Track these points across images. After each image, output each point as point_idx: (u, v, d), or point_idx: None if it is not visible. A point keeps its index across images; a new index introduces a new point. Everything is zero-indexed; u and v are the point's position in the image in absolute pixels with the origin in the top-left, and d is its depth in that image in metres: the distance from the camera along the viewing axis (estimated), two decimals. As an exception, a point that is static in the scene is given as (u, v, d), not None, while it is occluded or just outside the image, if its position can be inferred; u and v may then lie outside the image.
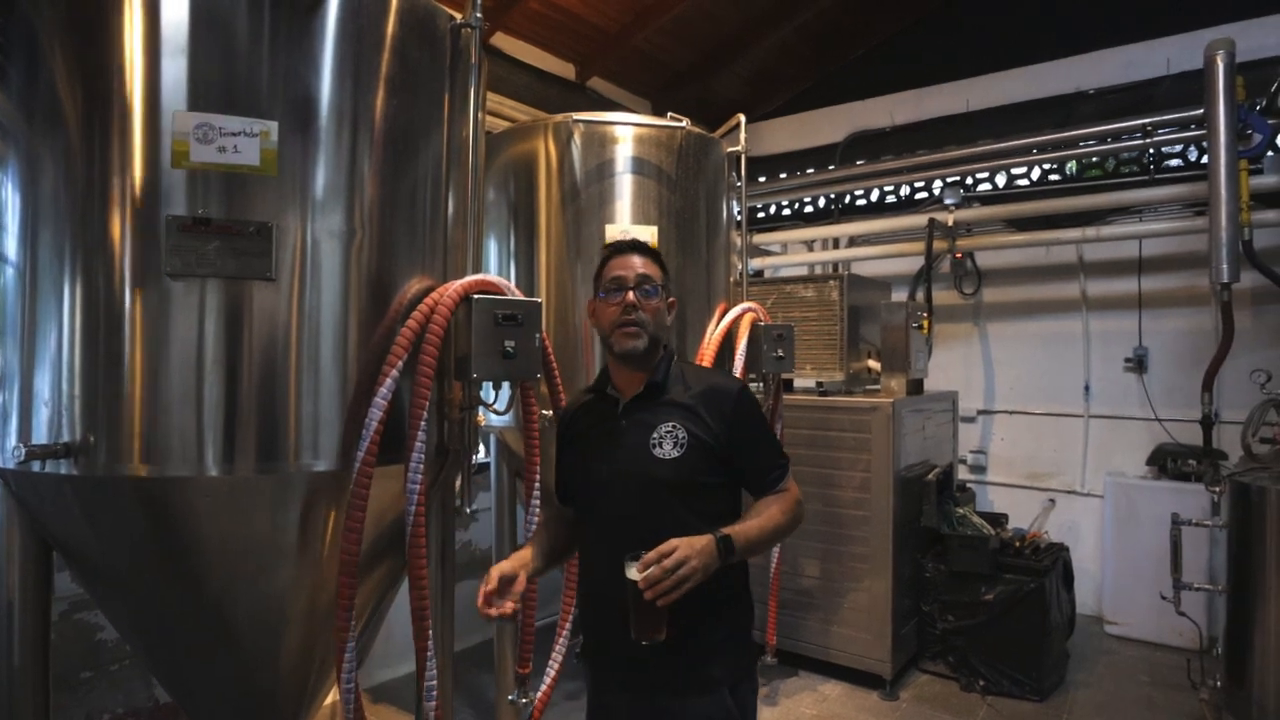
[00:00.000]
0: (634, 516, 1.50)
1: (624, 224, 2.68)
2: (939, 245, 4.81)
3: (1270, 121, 3.72)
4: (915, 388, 4.10)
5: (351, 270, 1.64)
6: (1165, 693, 3.60)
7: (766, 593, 3.33)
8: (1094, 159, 4.68)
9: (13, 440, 1.52)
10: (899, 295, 5.01)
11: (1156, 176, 4.49)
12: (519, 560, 1.54)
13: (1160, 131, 4.07)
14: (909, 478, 3.79)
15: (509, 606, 1.42)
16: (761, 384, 3.07)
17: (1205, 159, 4.02)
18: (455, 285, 1.75)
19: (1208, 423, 3.85)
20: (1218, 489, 3.32)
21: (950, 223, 4.76)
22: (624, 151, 2.71)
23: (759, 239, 5.69)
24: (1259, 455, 3.27)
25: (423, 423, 1.65)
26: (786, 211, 6.03)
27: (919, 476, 3.87)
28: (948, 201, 4.84)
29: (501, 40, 4.55)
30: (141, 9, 1.49)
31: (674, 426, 1.52)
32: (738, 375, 2.78)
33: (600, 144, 2.71)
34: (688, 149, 2.80)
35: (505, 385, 1.88)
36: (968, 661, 3.64)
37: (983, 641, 3.60)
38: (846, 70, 5.76)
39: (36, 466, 1.48)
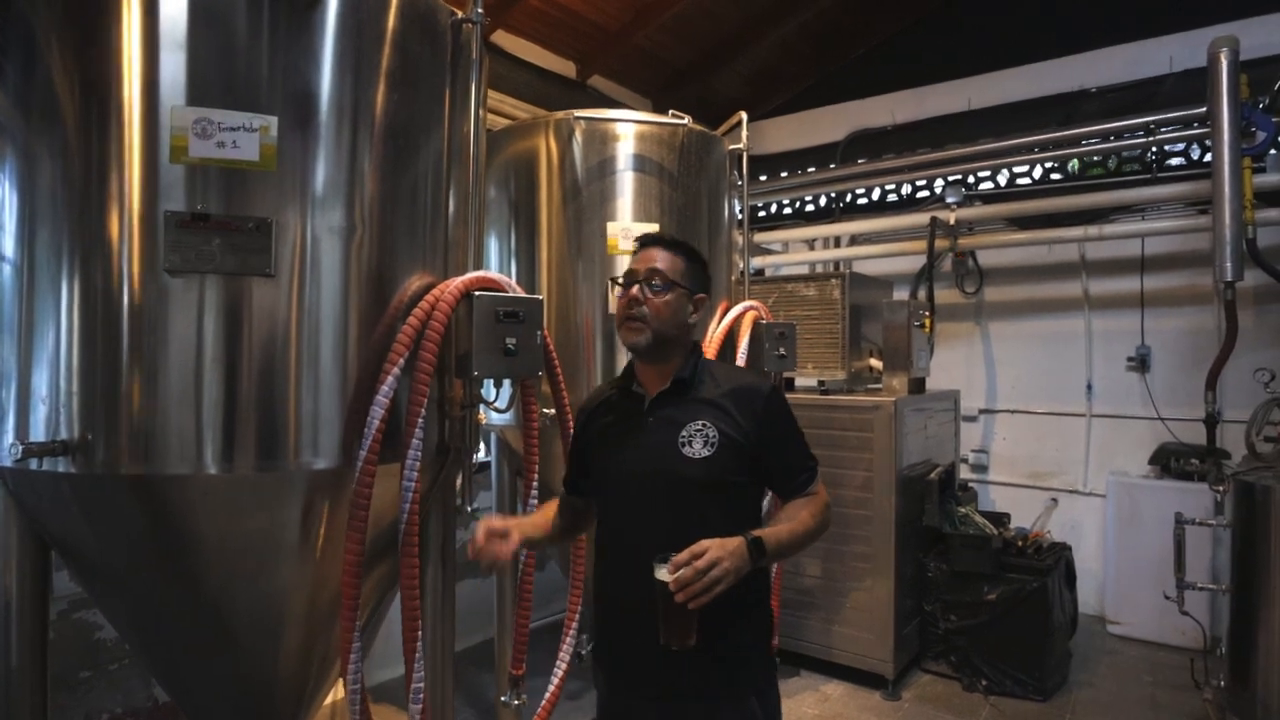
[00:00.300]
0: (659, 515, 1.47)
1: (625, 222, 2.67)
2: (941, 244, 4.80)
3: (1274, 119, 3.70)
4: (917, 387, 4.09)
5: (352, 267, 1.63)
6: (1168, 693, 3.58)
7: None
8: (1096, 157, 4.67)
9: (10, 438, 1.50)
10: (901, 294, 5.00)
11: (1159, 175, 4.47)
12: (512, 520, 1.53)
13: (1163, 130, 4.05)
14: (911, 477, 3.78)
15: (504, 549, 1.42)
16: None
17: (1208, 157, 4.00)
18: (456, 282, 1.74)
19: (1211, 422, 3.84)
20: (1221, 488, 3.31)
21: (952, 221, 4.75)
22: (625, 149, 2.70)
23: (760, 238, 5.67)
24: (1263, 454, 3.26)
25: (420, 421, 1.64)
26: (788, 210, 6.02)
27: (921, 476, 3.86)
28: (949, 200, 4.83)
29: (502, 38, 4.54)
30: (140, 4, 1.47)
31: (704, 425, 1.49)
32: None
33: (601, 141, 2.69)
34: (689, 146, 2.79)
35: (506, 383, 1.87)
36: (970, 661, 3.63)
37: (985, 641, 3.59)
38: (847, 69, 5.75)
39: (34, 464, 1.47)
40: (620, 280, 1.55)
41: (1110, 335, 4.67)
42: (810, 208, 5.93)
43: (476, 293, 1.76)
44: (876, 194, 5.60)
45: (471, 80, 1.90)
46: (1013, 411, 5.03)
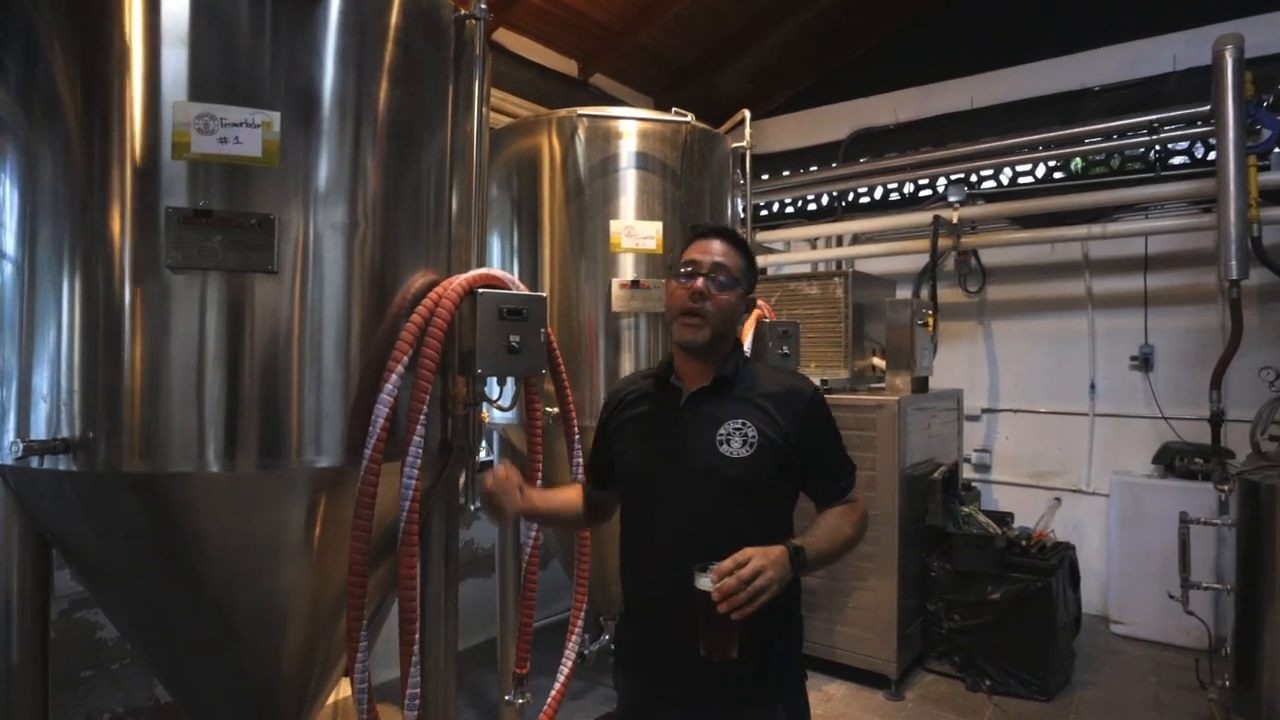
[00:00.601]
0: (691, 513, 1.43)
1: (628, 220, 2.66)
2: (943, 243, 4.79)
3: (1279, 117, 3.69)
4: (920, 386, 4.08)
5: (354, 264, 1.62)
6: (1173, 693, 3.57)
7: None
8: (1099, 156, 4.66)
9: (11, 436, 1.49)
10: (903, 293, 4.99)
11: (1162, 174, 4.46)
12: (533, 488, 1.52)
13: (1167, 128, 4.05)
14: (914, 476, 3.77)
15: (510, 501, 1.44)
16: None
17: (1212, 155, 4.00)
18: (459, 279, 1.73)
19: (1216, 420, 3.83)
20: (1226, 487, 3.30)
21: (955, 220, 4.74)
22: (628, 147, 2.69)
23: (763, 236, 5.67)
24: (1268, 453, 3.24)
25: (422, 419, 1.62)
26: (790, 209, 6.01)
27: (924, 475, 3.85)
28: (952, 199, 4.82)
29: (504, 36, 4.53)
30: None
31: (743, 424, 1.44)
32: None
33: (604, 139, 2.68)
34: (692, 144, 2.78)
35: (510, 381, 1.86)
36: (974, 661, 3.62)
37: (989, 641, 3.58)
38: (850, 68, 5.74)
39: (35, 462, 1.46)
40: (683, 270, 1.47)
41: (1114, 334, 4.65)
42: (813, 206, 5.92)
43: (480, 290, 1.74)
44: (879, 193, 5.59)
45: (475, 77, 1.89)
46: (1016, 411, 5.02)
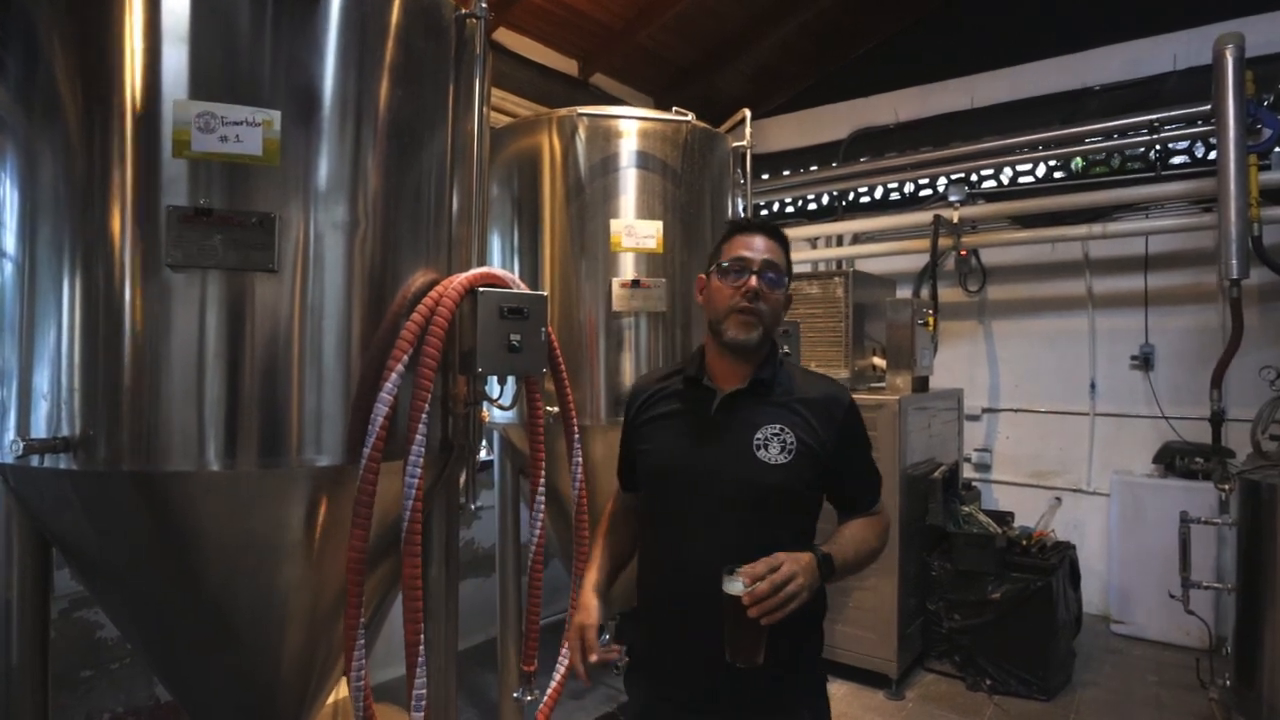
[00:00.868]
0: (723, 521, 1.38)
1: (629, 219, 2.66)
2: (944, 242, 4.79)
3: (1279, 116, 3.69)
4: (920, 385, 4.08)
5: (355, 262, 1.62)
6: (1174, 692, 3.57)
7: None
8: (1100, 155, 4.66)
9: (11, 435, 1.49)
10: (904, 292, 4.99)
11: (1163, 173, 4.46)
12: (594, 608, 1.51)
13: (1167, 128, 4.05)
14: (914, 476, 3.77)
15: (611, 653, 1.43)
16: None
17: (1212, 155, 4.00)
18: (460, 278, 1.72)
19: (1216, 420, 3.83)
20: (1226, 487, 3.30)
21: (955, 220, 4.74)
22: (628, 146, 2.69)
23: (762, 236, 5.65)
24: (1268, 452, 3.24)
25: (424, 418, 1.62)
26: (790, 209, 6.01)
27: (924, 474, 3.85)
28: (952, 198, 4.81)
29: (504, 35, 4.53)
30: (142, -3, 1.46)
31: (781, 429, 1.40)
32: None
33: (605, 138, 2.68)
34: (692, 144, 2.78)
35: (510, 380, 1.85)
36: (974, 661, 3.62)
37: (989, 640, 3.58)
38: (850, 67, 5.74)
39: (35, 461, 1.46)
40: (732, 267, 1.43)
41: (1114, 334, 4.65)
42: (813, 206, 5.92)
43: (480, 289, 1.74)
44: (879, 192, 5.59)
45: (475, 76, 1.89)
46: (1016, 410, 5.02)
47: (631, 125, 2.70)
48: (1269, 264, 3.74)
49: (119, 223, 1.46)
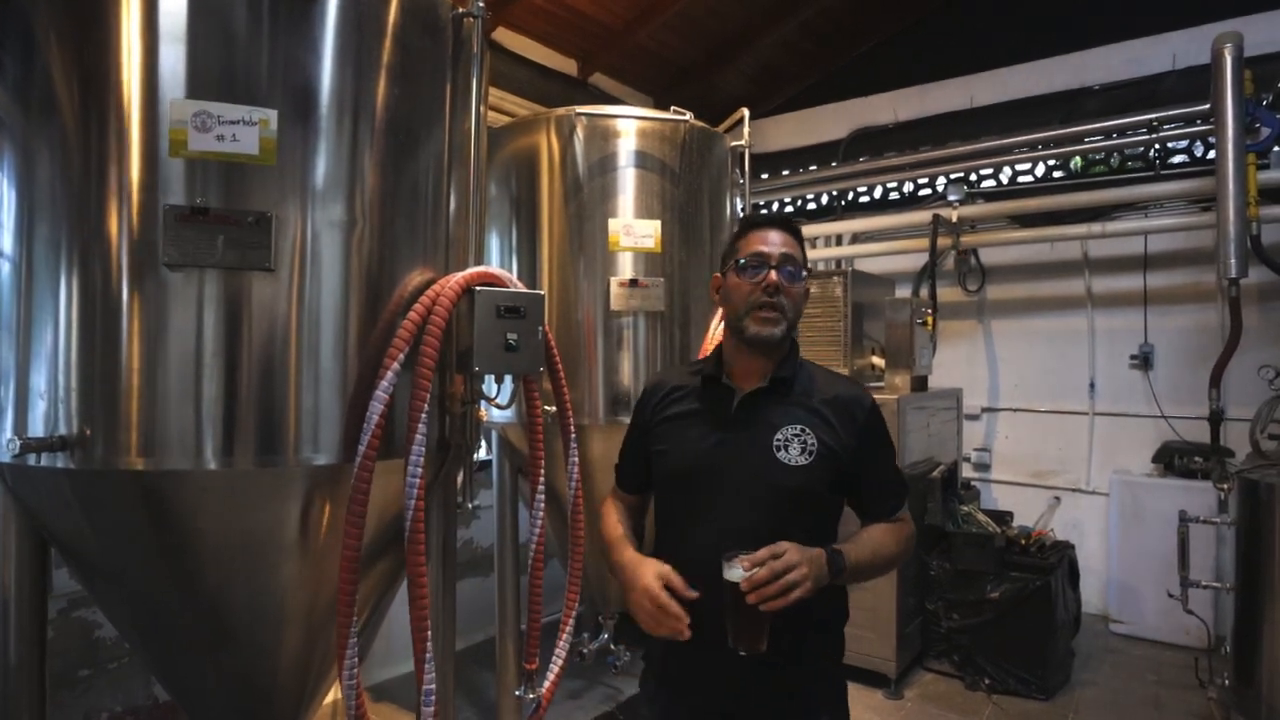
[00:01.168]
0: (740, 523, 1.35)
1: (627, 218, 2.66)
2: (943, 242, 4.79)
3: (1278, 115, 3.69)
4: (919, 385, 4.08)
5: (352, 261, 1.62)
6: (1172, 692, 3.57)
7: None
8: (1099, 155, 4.66)
9: (8, 434, 1.49)
10: (903, 292, 4.99)
11: (1162, 173, 4.46)
12: (652, 562, 1.36)
13: (1165, 127, 4.05)
14: (914, 475, 3.76)
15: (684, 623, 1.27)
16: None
17: (1211, 154, 4.00)
18: (457, 277, 1.72)
19: (1215, 419, 3.83)
20: (1225, 486, 3.30)
21: (954, 219, 4.74)
22: (627, 145, 2.69)
23: (761, 236, 5.65)
24: (1267, 452, 3.24)
25: (423, 416, 1.62)
26: (789, 209, 6.01)
27: (924, 474, 3.85)
28: (951, 198, 4.82)
29: (503, 35, 4.53)
30: (139, -5, 1.46)
31: (802, 430, 1.38)
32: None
33: (603, 138, 2.68)
34: (691, 143, 2.78)
35: (508, 379, 1.85)
36: (973, 660, 3.62)
37: (988, 640, 3.58)
38: (849, 67, 5.74)
39: (33, 460, 1.46)
40: (749, 263, 1.41)
41: (1113, 333, 4.65)
42: (812, 206, 5.92)
43: (478, 288, 1.74)
44: (878, 192, 5.59)
45: (473, 75, 1.89)
46: (1015, 410, 5.02)
47: (630, 125, 2.70)
48: (1268, 263, 3.74)
49: (116, 222, 1.46)
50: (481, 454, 3.37)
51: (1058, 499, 4.79)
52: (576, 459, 2.16)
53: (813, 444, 1.38)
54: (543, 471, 2.01)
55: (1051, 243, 4.69)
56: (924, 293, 4.95)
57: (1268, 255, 3.72)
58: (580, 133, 2.67)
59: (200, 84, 1.48)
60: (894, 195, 5.53)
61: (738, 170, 3.08)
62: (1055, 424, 4.85)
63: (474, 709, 3.43)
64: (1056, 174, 4.90)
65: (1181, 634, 4.00)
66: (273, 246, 1.50)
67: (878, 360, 4.17)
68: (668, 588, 1.29)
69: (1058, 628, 3.58)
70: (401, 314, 1.67)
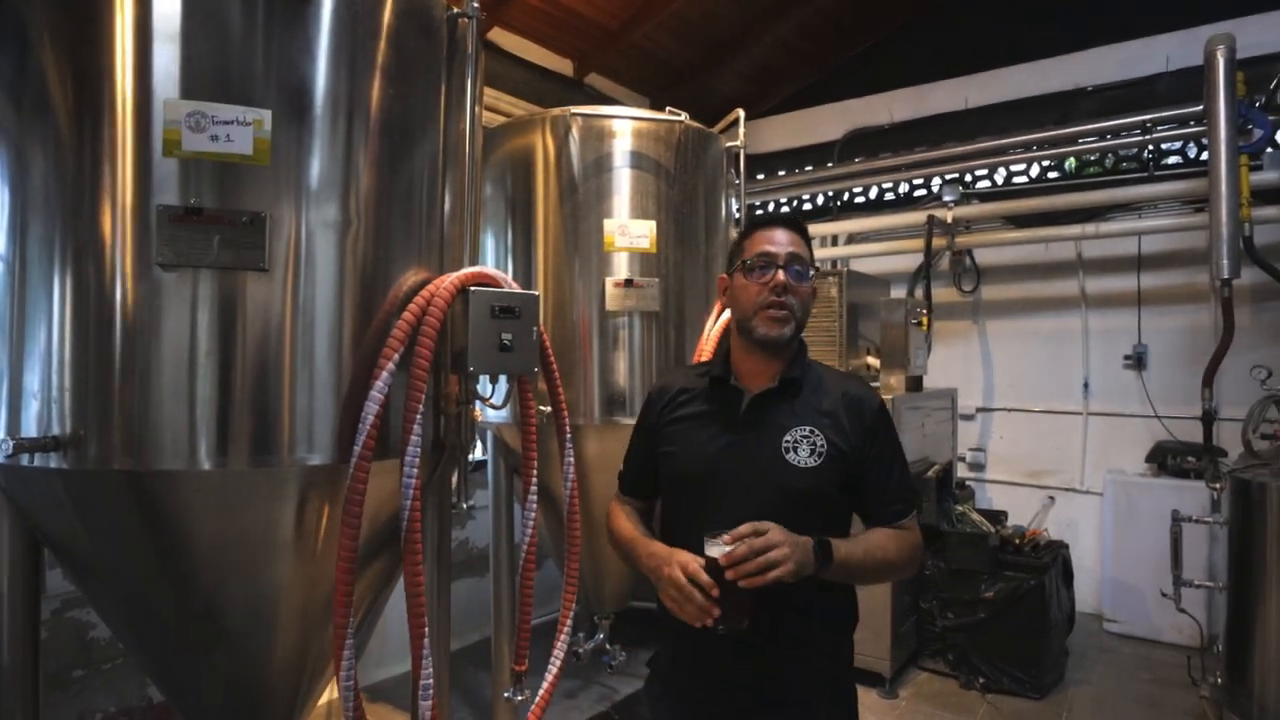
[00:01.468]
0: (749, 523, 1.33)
1: (622, 218, 2.66)
2: (938, 242, 4.81)
3: (1270, 117, 3.71)
4: (914, 385, 4.09)
5: (347, 261, 1.62)
6: (1166, 690, 3.59)
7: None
8: (1093, 156, 4.68)
9: (1, 434, 1.49)
10: (898, 292, 5.00)
11: (1155, 174, 4.48)
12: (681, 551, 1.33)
13: (1160, 128, 4.07)
14: (908, 475, 3.77)
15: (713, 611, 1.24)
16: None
17: (1204, 156, 4.02)
18: (452, 277, 1.73)
19: (1208, 419, 3.85)
20: (1218, 485, 3.32)
21: (949, 220, 4.75)
22: (622, 146, 2.69)
23: (757, 236, 5.66)
24: (1259, 452, 3.26)
25: (418, 416, 1.62)
26: (785, 209, 6.02)
27: (919, 474, 3.86)
28: (946, 198, 4.83)
29: (499, 35, 4.53)
30: (132, -5, 1.46)
31: (811, 431, 1.37)
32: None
33: (598, 138, 2.68)
34: (686, 144, 2.78)
35: (502, 379, 1.86)
36: (967, 659, 3.63)
37: (982, 639, 3.59)
38: (845, 68, 5.75)
39: (26, 460, 1.45)
40: (756, 263, 1.41)
41: (1107, 333, 4.67)
42: (808, 206, 5.93)
43: (473, 288, 1.74)
44: (874, 193, 5.60)
45: (468, 76, 1.88)
46: (1010, 410, 5.03)
47: (625, 125, 2.70)
48: (1260, 264, 3.76)
49: (110, 221, 1.46)
50: (477, 454, 3.37)
51: (1052, 499, 4.81)
52: (572, 459, 2.17)
53: (822, 445, 1.37)
54: (536, 471, 2.01)
55: (1046, 243, 4.71)
56: (919, 293, 4.96)
57: (1260, 256, 3.74)
58: (575, 133, 2.68)
59: (194, 84, 1.47)
60: (889, 196, 5.55)
61: (733, 171, 3.08)
62: (1049, 424, 4.87)
63: (469, 709, 3.43)
64: (1051, 175, 4.92)
65: (1174, 633, 4.02)
66: (267, 247, 1.50)
67: (873, 360, 4.18)
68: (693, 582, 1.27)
69: (1052, 627, 3.59)
70: (396, 314, 1.67)
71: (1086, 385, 4.74)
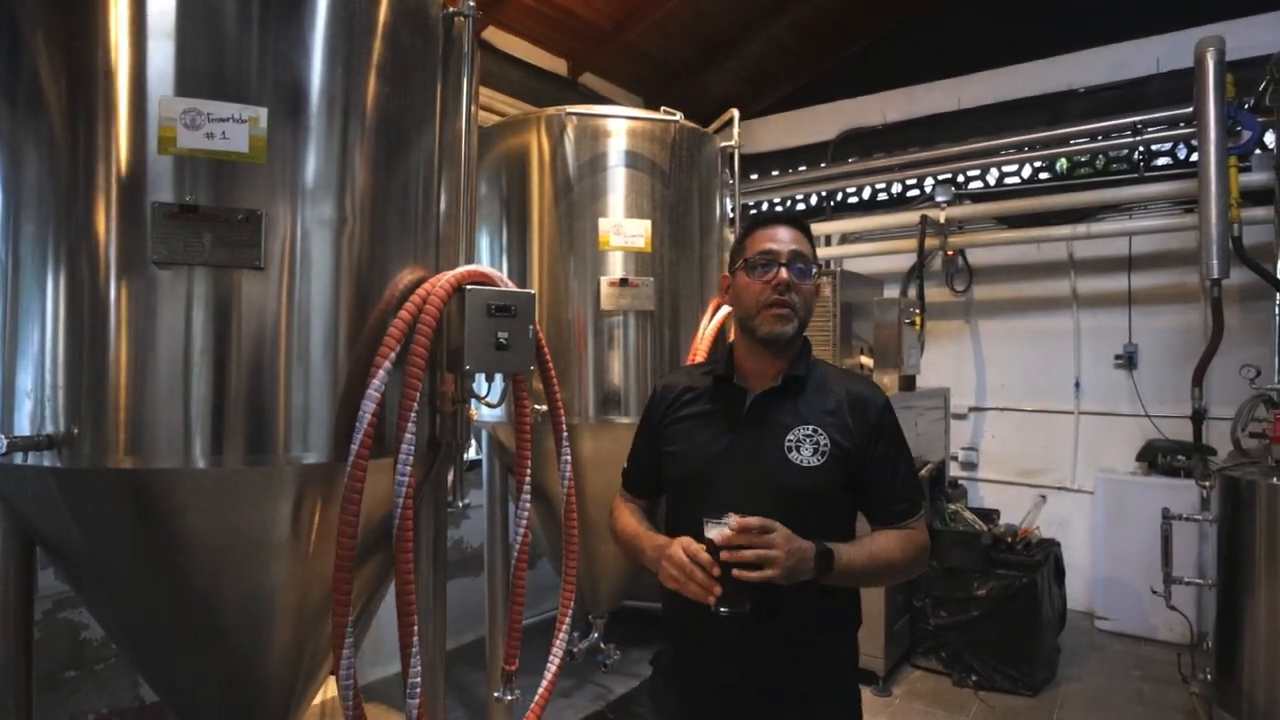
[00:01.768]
0: None
1: (617, 218, 2.66)
2: (931, 242, 4.83)
3: (1259, 119, 3.74)
4: (907, 384, 4.11)
5: (342, 260, 1.62)
6: (1156, 687, 3.62)
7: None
8: (1084, 157, 4.71)
9: (-6, 432, 1.48)
10: (891, 292, 5.02)
11: (1146, 174, 4.51)
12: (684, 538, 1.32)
13: (1150, 129, 4.10)
14: (902, 474, 3.79)
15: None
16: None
17: (1194, 157, 4.05)
18: (448, 276, 1.73)
19: (1198, 418, 3.88)
20: (1207, 484, 3.35)
21: (942, 220, 4.78)
22: (617, 145, 2.69)
23: (751, 236, 5.68)
24: (1248, 450, 3.29)
25: (413, 415, 1.62)
26: (779, 209, 6.03)
27: (912, 473, 3.87)
28: (939, 199, 4.85)
29: (493, 35, 4.53)
30: (127, -8, 1.46)
31: (814, 430, 1.36)
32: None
33: (593, 137, 2.69)
34: (681, 143, 2.79)
35: (498, 378, 1.86)
36: (960, 657, 3.65)
37: (975, 637, 3.61)
38: (839, 68, 5.78)
39: (19, 459, 1.44)
40: (758, 261, 1.41)
41: (1098, 333, 4.71)
42: (801, 206, 5.95)
43: (468, 287, 1.75)
44: (867, 193, 5.62)
45: (463, 74, 1.89)
46: (1002, 409, 5.06)
47: (620, 125, 2.71)
48: (1249, 264, 3.79)
49: (104, 219, 1.45)
50: (472, 453, 3.37)
51: (1044, 497, 4.84)
52: (569, 458, 2.17)
53: (825, 444, 1.36)
54: (530, 470, 2.01)
55: (1038, 243, 4.74)
56: (912, 293, 4.99)
57: (1249, 256, 3.77)
58: (570, 132, 2.68)
59: (189, 81, 1.47)
60: (882, 196, 5.57)
61: (727, 170, 3.09)
62: (1041, 423, 4.90)
63: (465, 708, 3.43)
64: (1043, 175, 4.95)
65: (1165, 630, 4.06)
66: (262, 245, 1.50)
67: (866, 360, 4.20)
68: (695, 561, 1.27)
69: (1043, 624, 3.61)
70: (392, 313, 1.66)
71: (1078, 384, 4.78)
